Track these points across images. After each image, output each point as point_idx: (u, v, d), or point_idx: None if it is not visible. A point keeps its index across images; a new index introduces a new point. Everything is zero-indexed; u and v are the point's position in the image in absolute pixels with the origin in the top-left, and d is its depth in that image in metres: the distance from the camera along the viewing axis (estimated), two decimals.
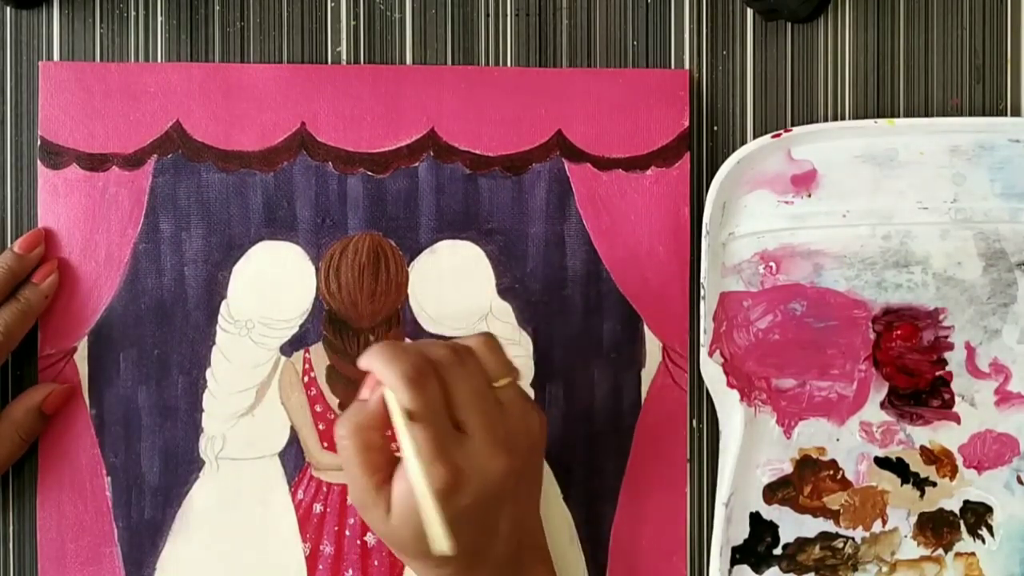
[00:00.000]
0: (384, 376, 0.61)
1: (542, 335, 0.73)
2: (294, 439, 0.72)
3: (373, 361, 0.62)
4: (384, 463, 0.62)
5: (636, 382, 0.73)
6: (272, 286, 0.72)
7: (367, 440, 0.62)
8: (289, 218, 0.72)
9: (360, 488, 0.62)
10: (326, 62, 0.73)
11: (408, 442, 0.59)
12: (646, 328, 0.73)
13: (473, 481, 0.60)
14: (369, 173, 0.73)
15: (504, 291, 0.73)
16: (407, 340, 0.72)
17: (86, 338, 0.72)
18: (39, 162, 0.72)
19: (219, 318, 0.72)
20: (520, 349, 0.73)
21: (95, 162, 0.72)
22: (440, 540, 0.58)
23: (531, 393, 0.73)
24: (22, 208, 0.72)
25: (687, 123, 0.73)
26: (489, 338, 0.65)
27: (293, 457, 0.72)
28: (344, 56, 0.73)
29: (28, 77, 0.72)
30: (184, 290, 0.72)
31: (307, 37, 0.73)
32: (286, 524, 0.72)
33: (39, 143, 0.72)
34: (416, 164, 0.73)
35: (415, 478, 0.59)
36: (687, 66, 0.74)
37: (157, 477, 0.72)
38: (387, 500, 0.61)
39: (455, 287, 0.73)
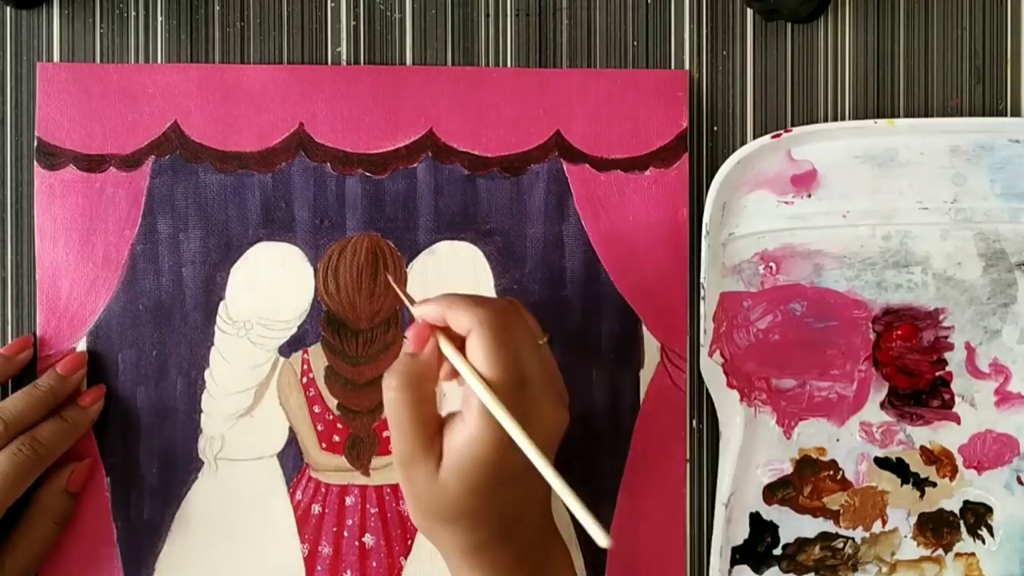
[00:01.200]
0: (467, 324, 0.60)
1: None
2: (293, 440, 0.72)
3: (450, 310, 0.61)
4: (435, 416, 0.61)
5: (635, 382, 0.73)
6: (270, 287, 0.72)
7: (420, 393, 0.61)
8: (287, 219, 0.72)
9: (409, 442, 0.60)
10: (326, 62, 0.73)
11: (490, 399, 0.58)
12: (644, 329, 0.73)
13: (535, 434, 0.59)
14: (367, 174, 0.73)
15: (503, 292, 0.73)
16: (405, 341, 0.72)
17: (84, 339, 0.72)
18: (35, 163, 0.72)
19: (217, 319, 0.72)
20: None
21: (92, 163, 0.72)
22: (594, 530, 0.57)
23: None
24: (20, 209, 0.72)
25: (686, 123, 0.73)
26: (520, 302, 0.65)
27: (292, 458, 0.72)
28: (344, 56, 0.73)
29: (27, 78, 0.72)
30: (182, 291, 0.72)
31: (307, 37, 0.73)
32: (284, 525, 0.72)
33: (36, 144, 0.72)
34: (415, 165, 0.73)
35: (516, 437, 0.58)
36: (687, 66, 0.74)
37: (156, 478, 0.72)
38: (438, 455, 0.60)
39: (454, 288, 0.72)
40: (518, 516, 0.62)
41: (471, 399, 0.59)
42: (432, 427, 0.61)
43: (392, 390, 0.61)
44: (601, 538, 0.56)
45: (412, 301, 0.66)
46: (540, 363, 0.62)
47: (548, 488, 0.65)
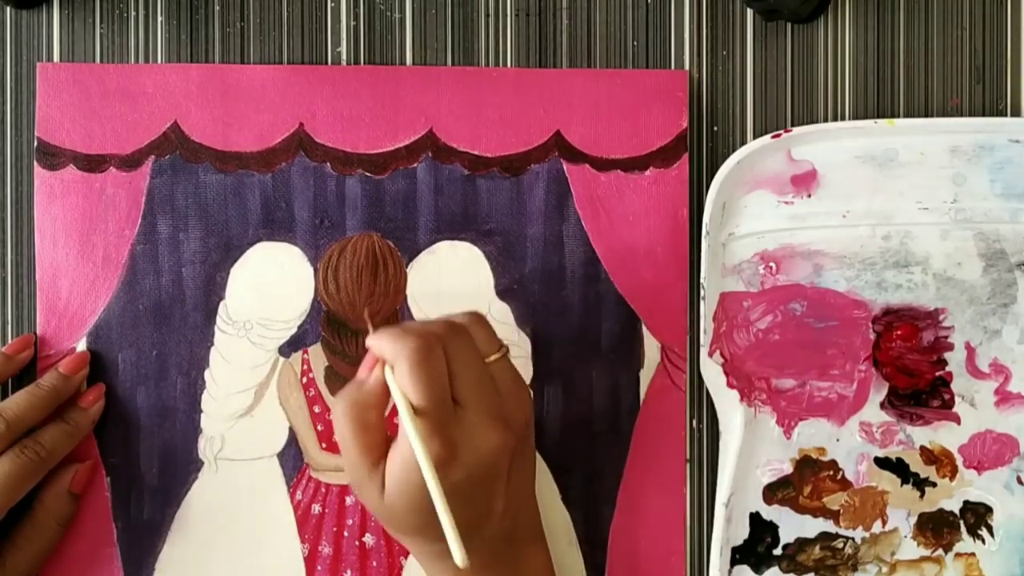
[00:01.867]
0: (390, 355, 0.61)
1: (541, 336, 0.73)
2: (293, 440, 0.72)
3: (379, 342, 0.62)
4: (380, 441, 0.63)
5: (635, 383, 0.73)
6: (270, 287, 0.72)
7: (364, 420, 0.62)
8: (287, 219, 0.72)
9: (356, 467, 0.62)
10: (326, 62, 0.73)
11: (410, 427, 0.59)
12: (645, 329, 0.73)
13: (468, 456, 0.61)
14: (367, 174, 0.73)
15: (503, 292, 0.73)
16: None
17: (84, 339, 0.72)
18: (35, 163, 0.72)
19: (217, 319, 0.72)
20: (519, 350, 0.73)
21: (92, 163, 0.72)
22: (455, 548, 0.58)
23: (530, 394, 0.72)
24: (20, 209, 0.72)
25: (686, 124, 0.73)
26: (477, 314, 0.66)
27: (292, 458, 0.72)
28: (344, 56, 0.73)
29: (27, 78, 0.72)
30: (182, 291, 0.72)
31: (307, 37, 0.73)
32: (285, 525, 0.72)
33: (36, 144, 0.72)
34: (414, 165, 0.73)
35: (426, 472, 0.59)
36: (687, 66, 0.74)
37: (156, 478, 0.72)
38: (382, 478, 0.62)
39: (454, 288, 0.73)
40: (474, 526, 0.62)
41: (402, 425, 0.61)
42: (376, 452, 0.62)
43: (337, 416, 0.63)
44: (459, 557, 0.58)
45: (371, 330, 0.67)
46: (481, 385, 0.63)
47: (520, 488, 0.66)
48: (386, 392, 0.62)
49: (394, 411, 0.62)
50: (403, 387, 0.60)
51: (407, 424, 0.59)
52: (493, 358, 0.64)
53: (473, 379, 0.62)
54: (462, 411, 0.62)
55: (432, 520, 0.59)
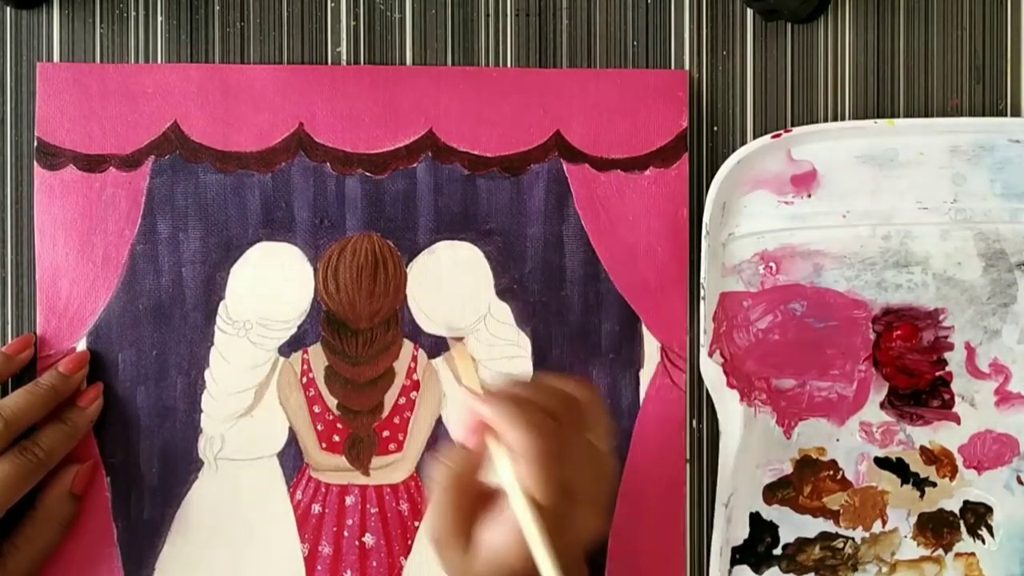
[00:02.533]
0: (514, 443, 0.58)
1: (540, 335, 0.73)
2: (293, 440, 0.72)
3: (502, 424, 0.59)
4: (472, 504, 0.60)
5: (634, 382, 0.73)
6: (270, 287, 0.72)
7: (464, 486, 0.60)
8: (287, 219, 0.72)
9: (441, 526, 0.59)
10: (326, 62, 0.73)
11: (532, 526, 0.57)
12: (644, 328, 0.73)
13: (572, 547, 0.59)
14: (367, 174, 0.73)
15: (503, 292, 0.73)
16: (405, 341, 0.73)
17: (84, 339, 0.72)
18: (36, 163, 0.72)
19: (217, 319, 0.72)
20: (518, 350, 0.73)
21: (92, 163, 0.72)
22: None
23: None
24: (20, 209, 0.72)
25: (686, 123, 0.73)
26: (590, 388, 0.64)
27: (292, 458, 0.72)
28: (344, 56, 0.73)
29: (27, 78, 0.72)
30: (182, 291, 0.72)
31: (307, 37, 0.73)
32: (285, 525, 0.72)
33: (35, 144, 0.72)
34: (414, 165, 0.73)
35: (539, 557, 0.57)
36: (687, 66, 0.74)
37: (156, 477, 0.72)
38: (467, 537, 0.59)
39: (454, 288, 0.73)
40: None
41: (510, 512, 0.58)
42: (465, 512, 0.60)
43: (438, 483, 0.60)
44: None
45: (476, 395, 0.63)
46: (592, 474, 0.61)
47: None
48: (484, 456, 0.60)
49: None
50: (524, 482, 0.58)
51: (526, 525, 0.57)
52: (602, 447, 0.62)
53: (587, 468, 0.60)
54: (570, 502, 0.58)
55: None
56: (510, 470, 0.58)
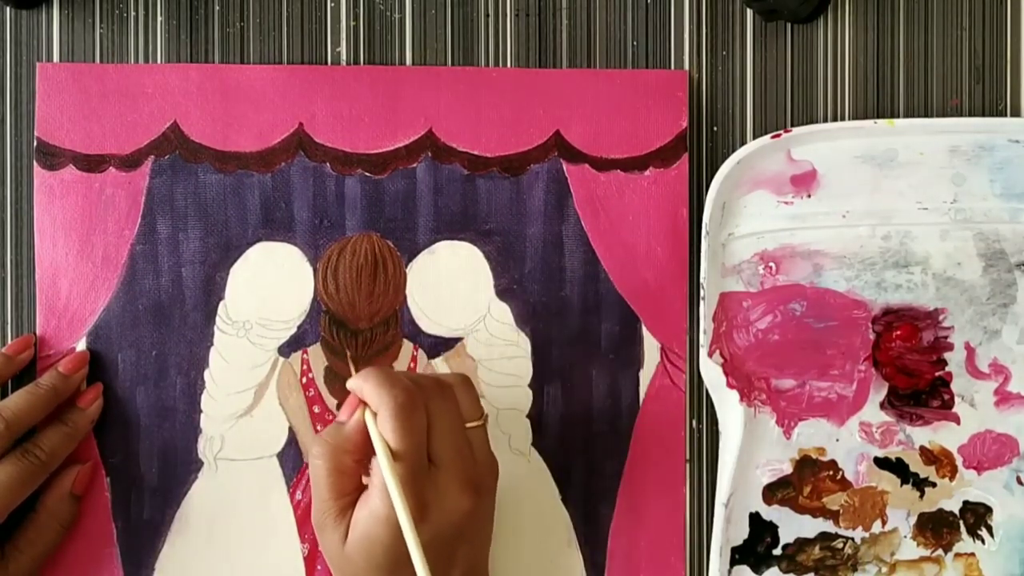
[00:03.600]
0: (374, 402, 0.61)
1: (540, 336, 0.73)
2: (292, 440, 0.72)
3: (364, 385, 0.62)
4: (352, 489, 0.62)
5: (634, 383, 0.73)
6: (270, 287, 0.72)
7: (339, 463, 0.62)
8: (287, 219, 0.72)
9: (324, 510, 0.62)
10: (326, 62, 0.73)
11: (392, 481, 0.59)
12: (644, 329, 0.73)
13: (437, 516, 0.61)
14: (367, 174, 0.73)
15: (502, 292, 0.73)
16: (405, 341, 0.73)
17: (84, 339, 0.72)
18: (35, 163, 0.72)
19: (217, 319, 0.72)
20: (518, 350, 0.73)
21: (92, 163, 0.72)
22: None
23: (529, 394, 0.73)
24: (20, 209, 0.72)
25: (685, 124, 0.73)
26: (465, 378, 0.66)
27: (291, 458, 0.72)
28: (344, 56, 0.73)
29: (27, 77, 0.72)
30: (182, 291, 0.72)
31: (307, 37, 0.73)
32: (285, 524, 0.72)
33: (35, 144, 0.72)
34: (414, 165, 0.73)
35: (399, 511, 0.59)
36: (687, 66, 0.74)
37: (156, 478, 0.72)
38: (346, 527, 0.61)
39: (453, 288, 0.73)
40: None
41: (375, 478, 0.60)
42: (347, 498, 0.62)
43: (315, 457, 0.62)
44: None
45: (352, 371, 0.68)
46: (457, 448, 0.63)
47: (479, 556, 0.66)
48: (364, 439, 0.62)
49: (369, 461, 0.62)
50: (384, 435, 0.60)
51: (386, 471, 0.59)
52: (473, 424, 0.65)
53: (452, 441, 0.62)
54: (436, 471, 0.62)
55: None
56: (373, 427, 0.61)
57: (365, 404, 0.63)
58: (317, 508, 0.62)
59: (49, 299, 0.71)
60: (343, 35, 0.74)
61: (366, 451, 0.62)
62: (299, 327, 0.72)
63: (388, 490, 0.59)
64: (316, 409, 0.72)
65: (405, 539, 0.58)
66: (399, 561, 0.60)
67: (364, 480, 0.63)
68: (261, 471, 0.72)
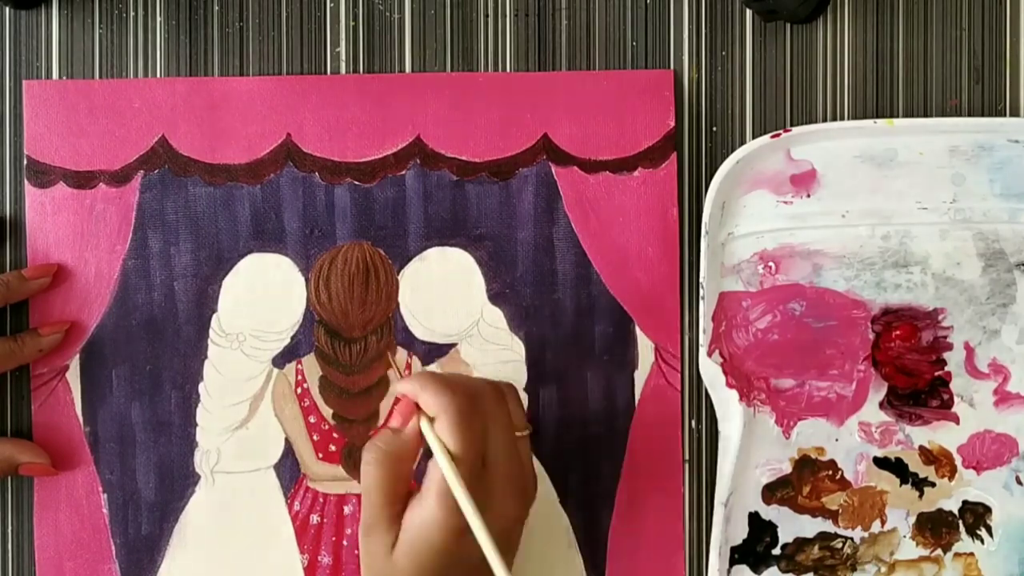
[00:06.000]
0: (434, 408, 0.61)
1: (534, 339, 0.73)
2: (289, 451, 0.73)
3: (423, 393, 0.62)
4: (405, 495, 0.63)
5: (629, 383, 0.73)
6: (262, 298, 0.73)
7: (397, 470, 0.62)
8: (277, 230, 0.72)
9: (373, 515, 0.62)
10: (325, 62, 0.73)
11: (458, 486, 0.59)
12: (638, 329, 0.73)
13: (489, 520, 0.60)
14: (356, 183, 0.72)
15: (495, 296, 0.73)
16: (399, 348, 0.73)
17: (78, 356, 0.72)
18: (26, 181, 0.72)
19: (210, 332, 0.72)
20: (512, 354, 0.73)
21: (82, 180, 0.72)
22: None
23: (524, 398, 0.73)
24: (14, 228, 0.72)
25: (673, 123, 0.73)
26: (514, 388, 0.67)
27: (288, 469, 0.73)
28: (343, 56, 0.73)
29: (28, 75, 0.73)
30: (174, 305, 0.72)
31: (306, 37, 0.73)
32: (284, 535, 0.73)
33: (25, 162, 0.72)
34: (403, 172, 0.72)
35: (469, 515, 0.59)
36: (686, 67, 0.73)
37: (153, 492, 0.72)
38: (397, 532, 0.61)
39: (446, 294, 0.73)
40: None
41: (432, 481, 0.60)
42: (400, 504, 0.62)
43: (369, 463, 0.62)
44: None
45: (399, 375, 0.69)
46: (509, 454, 0.63)
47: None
48: (419, 445, 0.63)
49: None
50: (447, 441, 0.61)
51: (450, 476, 0.59)
52: (520, 434, 0.65)
53: (504, 447, 0.63)
54: (489, 476, 0.62)
55: None
56: (432, 433, 0.61)
57: (419, 409, 0.63)
58: (369, 514, 0.62)
59: (42, 317, 0.72)
60: (342, 35, 0.73)
61: (417, 458, 0.63)
62: (293, 338, 0.73)
63: (445, 495, 0.59)
64: (312, 419, 0.73)
65: (460, 544, 0.59)
66: (448, 566, 0.60)
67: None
68: (258, 483, 0.73)
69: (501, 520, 0.62)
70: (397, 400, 0.65)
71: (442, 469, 0.60)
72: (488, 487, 0.61)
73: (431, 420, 0.62)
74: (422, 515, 0.60)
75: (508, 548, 0.64)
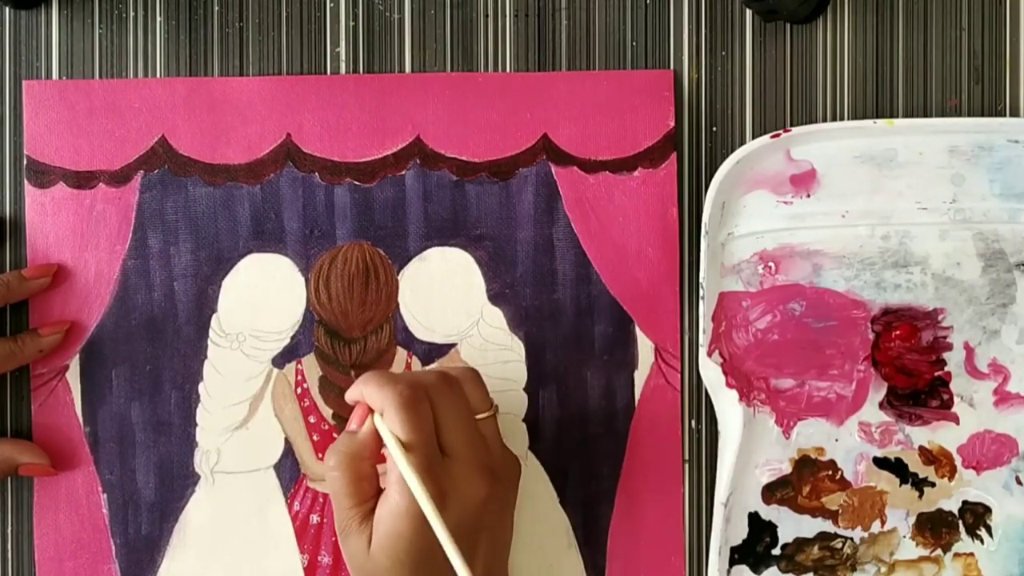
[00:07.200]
0: (378, 402, 0.62)
1: (534, 339, 0.73)
2: (289, 451, 0.73)
3: (365, 389, 0.63)
4: (372, 494, 0.63)
5: (629, 384, 0.73)
6: (262, 298, 0.72)
7: (358, 470, 0.63)
8: (277, 230, 0.72)
9: (346, 518, 0.63)
10: (325, 62, 0.73)
11: (409, 472, 0.60)
12: (637, 329, 0.73)
13: (454, 506, 0.61)
14: (356, 183, 0.72)
15: (494, 296, 0.73)
16: (399, 348, 0.73)
17: (78, 356, 0.72)
18: (26, 182, 0.72)
19: (210, 332, 0.72)
20: (512, 354, 0.73)
21: (82, 180, 0.72)
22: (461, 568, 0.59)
23: (524, 398, 0.73)
24: (14, 228, 0.72)
25: (673, 123, 0.73)
26: (472, 371, 0.67)
27: (288, 469, 0.73)
28: (343, 56, 0.73)
29: (28, 77, 0.73)
30: (174, 305, 0.72)
31: (306, 37, 0.73)
32: (284, 536, 0.73)
33: (25, 162, 0.72)
34: (403, 172, 0.72)
35: (420, 497, 0.60)
36: (686, 67, 0.73)
37: (153, 493, 0.72)
38: (370, 531, 0.62)
39: (445, 294, 0.73)
40: None
41: (392, 474, 0.61)
42: (369, 504, 0.63)
43: (332, 468, 0.63)
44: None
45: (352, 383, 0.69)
46: (470, 438, 0.63)
47: (498, 551, 0.67)
48: (378, 443, 0.63)
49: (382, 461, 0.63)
50: (393, 430, 0.61)
51: (400, 462, 0.60)
52: (482, 416, 0.65)
53: (462, 431, 0.63)
54: (450, 461, 0.62)
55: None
56: (382, 425, 0.62)
57: (371, 409, 0.63)
58: (340, 517, 0.63)
59: (42, 317, 0.72)
60: (342, 35, 0.73)
61: (380, 455, 0.63)
62: (292, 338, 0.73)
63: (405, 483, 0.60)
64: (312, 419, 0.73)
65: (428, 528, 0.60)
66: (423, 555, 0.61)
67: (381, 484, 0.64)
68: (258, 483, 0.73)
69: (470, 502, 0.62)
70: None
71: (394, 457, 0.61)
72: (451, 472, 0.62)
73: (382, 415, 0.63)
74: (388, 507, 0.61)
75: (489, 528, 0.64)
